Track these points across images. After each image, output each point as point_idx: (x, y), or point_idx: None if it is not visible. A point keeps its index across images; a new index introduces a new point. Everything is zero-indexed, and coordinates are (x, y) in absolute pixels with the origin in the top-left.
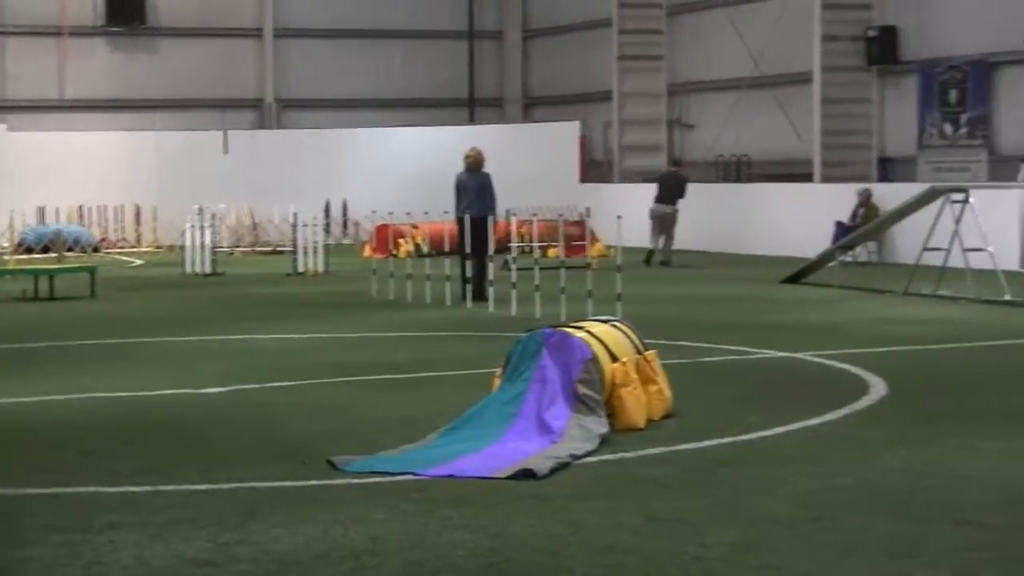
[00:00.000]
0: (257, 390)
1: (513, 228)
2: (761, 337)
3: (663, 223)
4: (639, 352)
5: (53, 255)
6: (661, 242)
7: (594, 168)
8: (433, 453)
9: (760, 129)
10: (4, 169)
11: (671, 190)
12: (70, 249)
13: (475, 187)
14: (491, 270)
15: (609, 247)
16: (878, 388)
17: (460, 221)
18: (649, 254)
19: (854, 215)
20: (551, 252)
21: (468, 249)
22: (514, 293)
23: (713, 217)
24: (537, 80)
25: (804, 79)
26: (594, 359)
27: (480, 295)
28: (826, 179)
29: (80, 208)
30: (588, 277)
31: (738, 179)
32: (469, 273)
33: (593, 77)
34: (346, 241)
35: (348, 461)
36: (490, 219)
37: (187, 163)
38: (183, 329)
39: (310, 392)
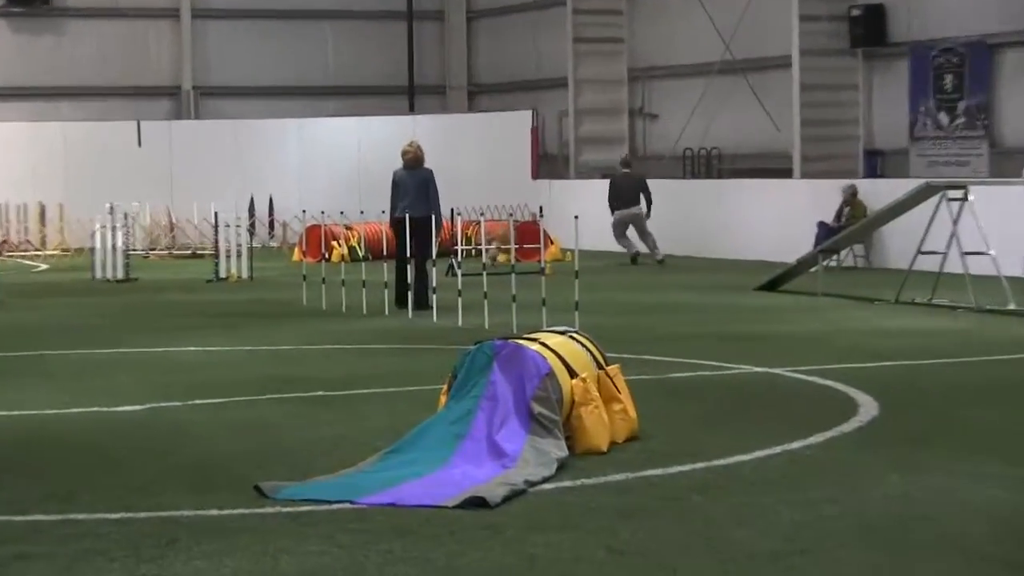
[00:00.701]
0: (177, 408)
1: (459, 229)
2: (735, 351)
3: (636, 226)
4: (600, 367)
5: None
6: (642, 246)
7: (547, 163)
8: (372, 479)
9: (732, 119)
10: None
11: (631, 193)
12: None
13: (415, 185)
14: (434, 276)
15: (565, 250)
16: (868, 408)
17: (399, 222)
18: (633, 258)
19: (839, 215)
20: (501, 256)
21: (408, 253)
22: (460, 301)
23: (680, 217)
24: (483, 65)
25: (781, 64)
26: (551, 374)
27: (422, 303)
28: (807, 175)
29: None
30: (542, 283)
31: (708, 175)
32: (409, 279)
33: (546, 62)
34: (273, 244)
35: (278, 487)
36: (433, 220)
37: (97, 157)
38: (94, 341)
39: (235, 410)
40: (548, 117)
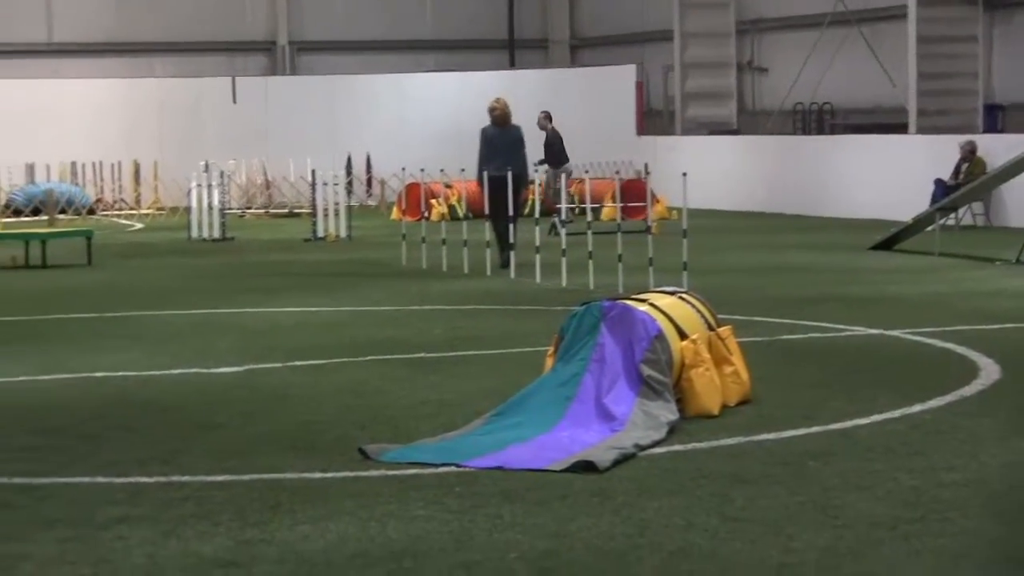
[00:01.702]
0: (276, 370)
1: (563, 187)
2: (850, 312)
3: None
4: (711, 328)
5: (44, 218)
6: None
7: (652, 119)
8: (478, 442)
9: (845, 73)
10: None
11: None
12: (63, 211)
13: (507, 143)
14: (537, 234)
15: (672, 209)
16: (990, 371)
17: (492, 180)
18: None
19: (956, 171)
20: (606, 214)
21: (511, 212)
22: (564, 261)
23: (790, 175)
24: (586, 18)
25: (896, 14)
26: (661, 336)
27: (509, 259)
28: (923, 130)
29: (73, 165)
30: (649, 243)
31: (819, 131)
32: (511, 238)
33: (651, 14)
34: (371, 202)
35: (383, 450)
36: (537, 176)
37: (192, 114)
38: (191, 301)
39: (336, 372)
40: (653, 72)
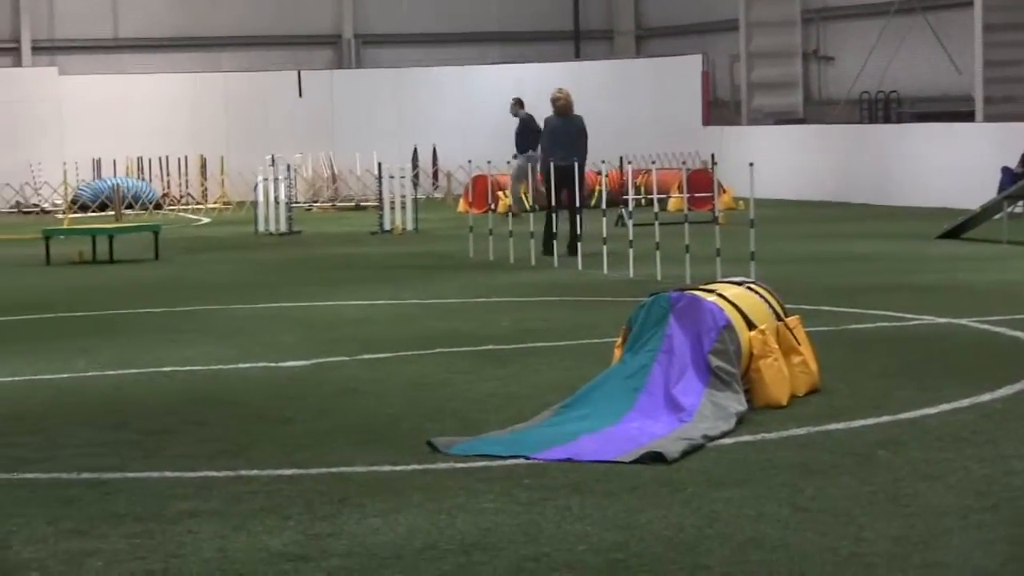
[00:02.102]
0: (344, 363)
1: (629, 178)
2: (918, 301)
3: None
4: (780, 318)
5: (111, 213)
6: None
7: (718, 109)
8: (547, 434)
9: (911, 61)
10: (56, 117)
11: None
12: (129, 206)
13: (571, 132)
14: (604, 225)
15: (738, 199)
16: None
17: (559, 170)
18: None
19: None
20: (673, 205)
21: (577, 202)
22: (631, 252)
23: (857, 164)
24: (652, 9)
25: (963, 1)
26: (729, 327)
27: (576, 249)
28: (990, 118)
29: (140, 160)
30: (716, 233)
31: (886, 119)
32: (558, 226)
33: (716, 4)
34: (437, 195)
35: (451, 443)
36: (578, 167)
37: (257, 108)
38: (257, 295)
39: (403, 365)
40: (719, 61)
